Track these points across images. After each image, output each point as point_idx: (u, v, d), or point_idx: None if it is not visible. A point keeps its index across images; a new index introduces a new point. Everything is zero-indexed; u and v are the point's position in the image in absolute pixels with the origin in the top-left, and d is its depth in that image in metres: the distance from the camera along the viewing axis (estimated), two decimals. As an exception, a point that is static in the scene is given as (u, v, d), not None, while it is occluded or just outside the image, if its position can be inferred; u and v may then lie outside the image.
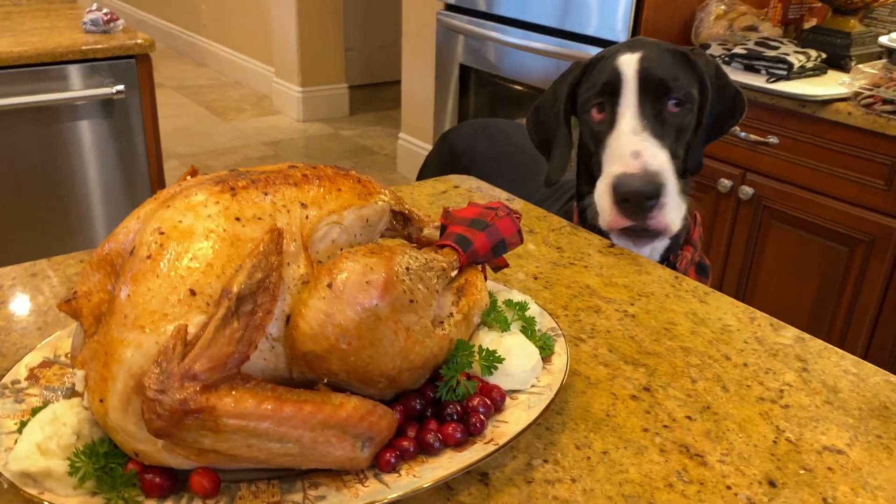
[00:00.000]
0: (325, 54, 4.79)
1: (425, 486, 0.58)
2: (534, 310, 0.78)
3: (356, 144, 4.57)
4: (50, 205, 2.19)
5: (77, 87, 2.10)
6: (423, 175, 1.87)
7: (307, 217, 0.61)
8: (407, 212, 0.71)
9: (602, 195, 1.12)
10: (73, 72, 2.09)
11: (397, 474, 0.60)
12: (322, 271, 0.59)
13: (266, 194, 0.61)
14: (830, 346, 0.86)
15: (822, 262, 2.02)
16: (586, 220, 1.22)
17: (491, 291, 0.80)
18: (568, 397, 0.75)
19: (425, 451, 0.62)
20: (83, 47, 2.05)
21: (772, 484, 0.65)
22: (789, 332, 0.89)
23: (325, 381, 0.58)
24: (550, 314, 0.88)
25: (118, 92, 2.11)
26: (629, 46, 1.17)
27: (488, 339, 0.72)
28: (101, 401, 0.55)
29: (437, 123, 3.17)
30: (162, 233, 0.58)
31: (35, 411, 0.60)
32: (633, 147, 1.09)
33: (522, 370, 0.70)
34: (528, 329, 0.75)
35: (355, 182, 0.66)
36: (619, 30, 2.31)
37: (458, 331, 0.69)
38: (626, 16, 2.27)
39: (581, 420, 0.72)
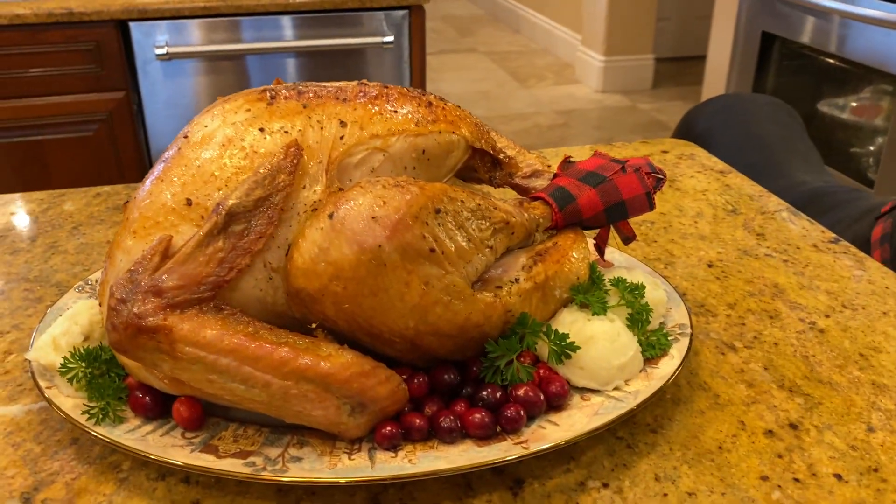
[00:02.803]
0: (634, 23, 4.56)
1: (412, 476, 0.47)
2: (657, 297, 0.61)
3: (651, 119, 4.31)
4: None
5: (353, 35, 2.21)
6: None
7: (342, 137, 0.53)
8: (492, 151, 0.59)
9: None
10: (352, 19, 2.19)
11: (392, 454, 0.50)
12: (330, 200, 0.50)
13: (305, 107, 0.53)
14: None
15: None
16: None
17: (609, 266, 0.65)
18: (675, 414, 0.58)
19: (438, 435, 0.51)
20: (362, -4, 2.14)
21: None
22: None
23: (315, 325, 0.50)
24: (695, 309, 0.70)
25: (387, 42, 2.17)
26: None
27: (570, 321, 0.57)
28: (100, 305, 0.53)
29: (729, 99, 2.83)
30: (185, 136, 0.53)
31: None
32: None
33: (605, 366, 0.55)
34: (637, 319, 0.59)
35: (421, 106, 0.56)
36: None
37: (525, 302, 0.55)
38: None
39: (680, 446, 0.55)
